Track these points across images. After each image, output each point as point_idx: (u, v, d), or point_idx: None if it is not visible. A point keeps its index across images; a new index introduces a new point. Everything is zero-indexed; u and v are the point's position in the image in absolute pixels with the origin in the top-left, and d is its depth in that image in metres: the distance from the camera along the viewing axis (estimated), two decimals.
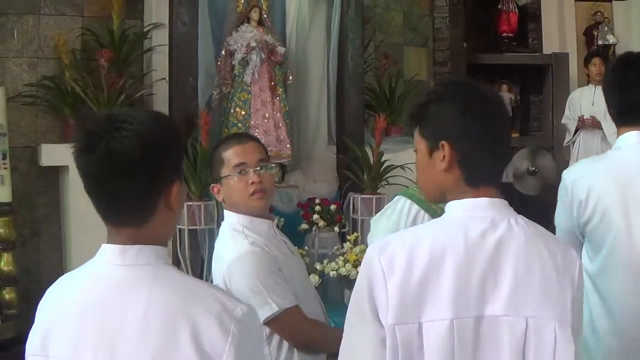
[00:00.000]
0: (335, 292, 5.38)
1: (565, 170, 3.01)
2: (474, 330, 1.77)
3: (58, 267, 5.52)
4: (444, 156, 1.90)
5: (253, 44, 5.84)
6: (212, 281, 2.79)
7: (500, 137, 1.96)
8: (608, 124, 7.09)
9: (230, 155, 2.74)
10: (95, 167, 1.66)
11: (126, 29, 5.70)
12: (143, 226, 1.70)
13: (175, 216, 1.76)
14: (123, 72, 5.47)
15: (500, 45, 9.46)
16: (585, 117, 7.68)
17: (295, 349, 2.71)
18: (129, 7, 5.82)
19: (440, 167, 1.92)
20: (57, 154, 5.22)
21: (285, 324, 2.65)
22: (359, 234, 5.52)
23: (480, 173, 1.92)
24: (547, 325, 1.80)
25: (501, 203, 1.92)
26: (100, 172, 1.66)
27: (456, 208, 1.92)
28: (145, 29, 5.84)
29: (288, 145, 5.97)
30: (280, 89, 6.07)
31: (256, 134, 5.77)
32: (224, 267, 2.54)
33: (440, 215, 3.04)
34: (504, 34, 9.43)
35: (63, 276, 1.91)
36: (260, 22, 6.05)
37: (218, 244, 2.84)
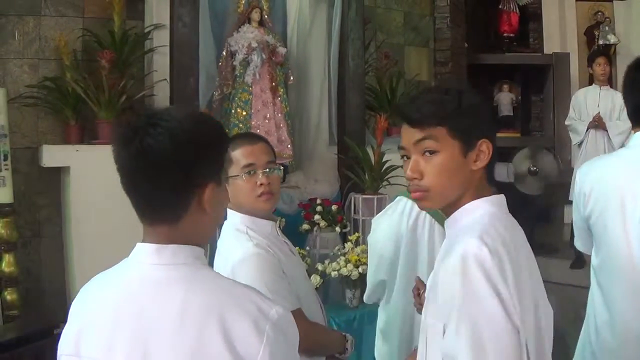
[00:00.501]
0: (337, 293, 5.38)
1: (579, 167, 3.11)
2: None
3: (59, 268, 5.53)
4: (482, 155, 1.92)
5: (254, 44, 5.84)
6: None
7: None
8: (613, 125, 7.15)
9: (239, 155, 2.70)
10: (128, 163, 1.66)
11: (127, 29, 5.70)
12: (176, 225, 1.68)
13: (209, 218, 1.72)
14: (124, 73, 5.47)
15: (501, 45, 9.48)
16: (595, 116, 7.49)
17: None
18: (129, 8, 5.82)
19: (475, 167, 1.92)
20: (59, 155, 5.24)
21: None
22: (360, 234, 5.52)
23: (493, 171, 1.95)
24: None
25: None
26: (133, 167, 1.66)
27: (499, 204, 1.97)
28: (146, 30, 5.84)
29: (289, 146, 5.97)
30: (281, 90, 6.07)
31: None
32: (227, 268, 2.52)
33: (440, 217, 3.05)
34: (505, 34, 9.45)
35: (97, 275, 1.86)
36: (261, 23, 6.06)
37: (221, 243, 2.81)
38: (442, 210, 2.03)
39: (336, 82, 6.44)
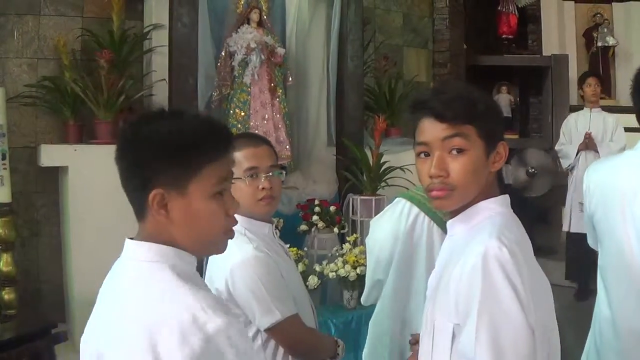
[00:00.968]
0: (335, 294, 5.38)
1: (587, 167, 3.10)
2: None
3: (57, 268, 5.53)
4: (499, 157, 1.94)
5: (253, 45, 5.85)
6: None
7: None
8: (605, 146, 7.08)
9: (242, 157, 2.65)
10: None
11: (126, 29, 5.71)
12: (144, 224, 1.70)
13: (177, 227, 1.67)
14: (123, 73, 5.48)
15: (500, 47, 9.47)
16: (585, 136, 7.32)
17: (290, 356, 2.70)
18: (129, 8, 5.82)
19: (493, 169, 1.94)
20: (57, 155, 5.24)
21: (286, 332, 2.61)
22: (358, 235, 5.52)
23: (502, 172, 1.98)
24: None
25: None
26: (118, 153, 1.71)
27: (507, 205, 1.98)
28: (145, 30, 5.85)
29: (287, 147, 5.98)
30: (280, 90, 6.07)
31: None
32: (226, 271, 2.51)
33: (439, 218, 3.05)
34: (504, 36, 9.45)
35: None
36: (260, 24, 6.06)
37: None
38: (450, 211, 2.02)
39: (335, 83, 6.44)
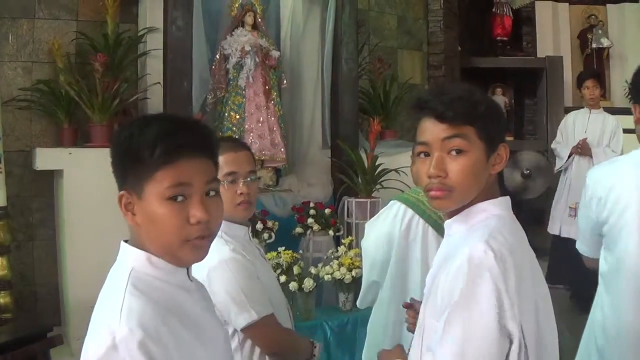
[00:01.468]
0: (330, 296, 5.38)
1: (589, 170, 3.06)
2: None
3: (52, 271, 5.53)
4: (500, 159, 1.94)
5: (247, 48, 5.85)
6: None
7: None
8: (600, 152, 6.94)
9: (222, 161, 2.59)
10: None
11: (120, 33, 5.70)
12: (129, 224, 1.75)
13: (142, 229, 1.71)
14: (117, 76, 5.46)
15: (495, 49, 9.49)
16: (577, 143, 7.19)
17: (266, 356, 2.72)
18: (123, 11, 5.82)
19: (493, 171, 1.94)
20: (52, 158, 5.23)
21: (261, 331, 2.64)
22: (353, 237, 5.52)
23: (502, 175, 1.99)
24: None
25: None
26: None
27: (507, 207, 1.99)
28: (140, 33, 5.84)
29: (282, 149, 5.98)
30: (275, 93, 6.07)
31: (250, 137, 5.78)
32: (204, 273, 2.51)
33: (434, 220, 3.06)
34: (498, 38, 9.47)
35: None
36: (254, 26, 6.07)
37: None
38: (447, 211, 2.02)
39: (329, 86, 6.43)
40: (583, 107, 7.51)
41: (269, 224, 5.43)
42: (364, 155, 5.86)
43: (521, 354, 1.74)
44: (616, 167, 2.94)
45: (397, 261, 3.22)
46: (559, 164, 7.38)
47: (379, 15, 7.70)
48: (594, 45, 9.47)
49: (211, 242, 1.76)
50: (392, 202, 3.34)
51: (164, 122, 1.72)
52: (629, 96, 3.04)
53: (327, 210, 5.72)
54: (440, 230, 3.03)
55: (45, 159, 5.22)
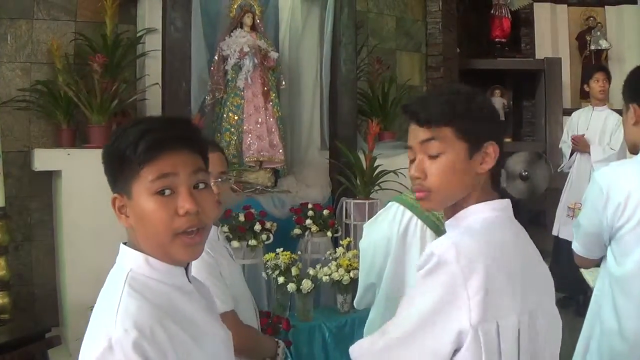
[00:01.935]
0: (328, 297, 5.39)
1: (597, 173, 2.95)
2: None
3: (51, 272, 5.53)
4: (488, 158, 1.94)
5: (246, 49, 5.85)
6: None
7: None
8: (598, 150, 6.90)
9: None
10: None
11: (119, 34, 5.71)
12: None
13: (136, 230, 1.72)
14: (116, 77, 5.47)
15: (493, 51, 9.49)
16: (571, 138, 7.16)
17: None
18: (122, 12, 5.82)
19: (480, 170, 1.94)
20: (50, 159, 5.22)
21: None
22: (351, 239, 5.53)
23: (499, 176, 1.98)
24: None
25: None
26: None
27: (503, 209, 1.98)
28: (139, 34, 5.85)
29: (281, 151, 5.98)
30: (273, 94, 6.08)
31: (249, 139, 5.78)
32: None
33: (432, 222, 3.05)
34: (497, 39, 9.46)
35: None
36: (253, 28, 6.07)
37: None
38: (444, 212, 2.03)
39: (328, 87, 6.44)
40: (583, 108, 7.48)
41: (267, 225, 5.43)
42: (362, 157, 5.86)
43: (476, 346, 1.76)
44: (631, 171, 2.85)
45: (394, 262, 3.22)
46: (563, 163, 7.38)
47: (377, 17, 7.71)
48: (592, 47, 9.46)
49: (205, 238, 1.76)
50: (390, 203, 3.34)
51: (147, 121, 1.74)
52: (627, 95, 3.03)
53: (325, 212, 5.72)
54: (438, 232, 3.02)
55: (44, 159, 5.22)
